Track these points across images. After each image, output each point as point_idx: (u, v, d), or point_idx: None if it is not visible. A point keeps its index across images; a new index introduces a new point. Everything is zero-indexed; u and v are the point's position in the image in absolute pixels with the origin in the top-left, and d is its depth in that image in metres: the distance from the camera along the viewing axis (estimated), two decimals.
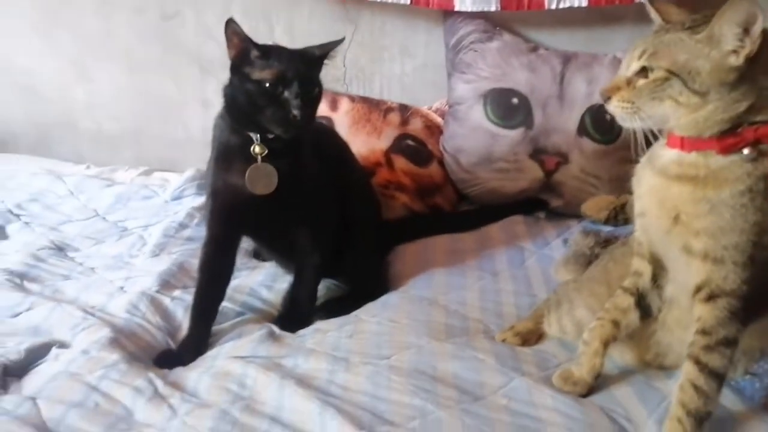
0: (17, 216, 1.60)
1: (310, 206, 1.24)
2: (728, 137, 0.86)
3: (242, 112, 1.15)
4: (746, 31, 0.81)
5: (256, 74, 1.12)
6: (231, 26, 1.12)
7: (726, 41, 0.83)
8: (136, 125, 2.11)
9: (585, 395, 1.01)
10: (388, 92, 1.99)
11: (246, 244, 1.44)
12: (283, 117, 1.12)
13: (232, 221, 1.22)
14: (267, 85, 1.11)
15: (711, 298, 0.90)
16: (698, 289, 0.91)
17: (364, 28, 1.96)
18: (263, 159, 1.15)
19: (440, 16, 1.90)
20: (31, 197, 1.69)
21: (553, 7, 1.78)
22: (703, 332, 0.90)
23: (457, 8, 1.80)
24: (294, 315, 1.24)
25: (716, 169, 0.87)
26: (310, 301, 1.28)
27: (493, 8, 1.78)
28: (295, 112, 1.10)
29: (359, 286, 1.35)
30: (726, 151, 0.86)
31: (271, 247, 1.39)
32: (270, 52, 1.15)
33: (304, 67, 1.15)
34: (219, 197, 1.21)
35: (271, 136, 1.15)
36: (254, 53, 1.13)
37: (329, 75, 1.98)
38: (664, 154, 0.92)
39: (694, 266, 0.90)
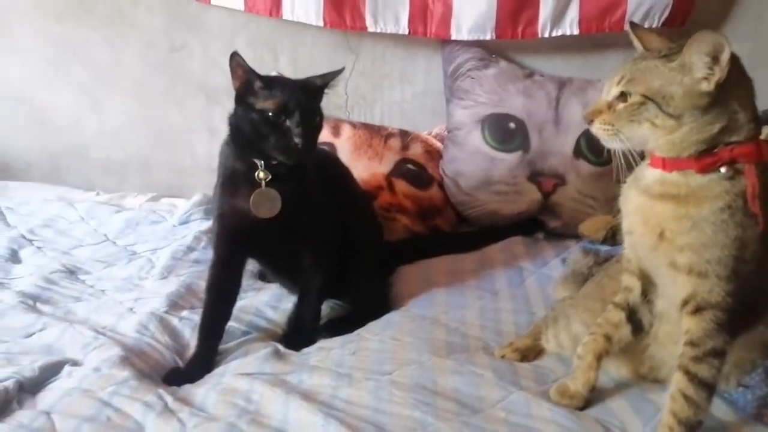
0: (30, 241, 1.65)
1: (313, 229, 1.28)
2: (706, 157, 0.91)
3: (246, 140, 1.20)
4: (715, 59, 0.87)
5: (260, 104, 1.17)
6: (235, 59, 1.18)
7: (697, 69, 0.88)
8: (145, 153, 2.17)
9: (581, 408, 1.04)
10: (388, 119, 2.05)
11: (252, 266, 1.48)
12: (285, 145, 1.17)
13: (238, 244, 1.27)
14: (270, 114, 1.17)
15: (697, 310, 0.93)
16: (685, 303, 0.94)
17: (365, 57, 2.02)
18: (267, 184, 1.20)
19: (438, 45, 1.96)
20: (44, 223, 1.74)
21: (546, 35, 1.84)
22: (692, 344, 0.93)
23: (453, 37, 1.87)
24: (298, 334, 1.27)
25: (696, 187, 0.91)
26: (314, 320, 1.32)
27: (488, 37, 1.85)
28: (297, 140, 1.16)
29: (362, 306, 1.39)
30: (704, 170, 0.91)
31: (275, 269, 1.43)
32: (273, 82, 1.21)
33: (306, 96, 1.21)
34: (225, 221, 1.25)
35: (274, 162, 1.20)
36: (257, 84, 1.19)
37: (331, 103, 2.05)
38: (648, 174, 0.97)
39: (680, 281, 0.94)
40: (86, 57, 2.09)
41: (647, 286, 1.03)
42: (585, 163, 1.77)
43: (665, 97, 0.89)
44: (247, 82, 1.19)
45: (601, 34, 1.85)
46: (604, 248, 1.66)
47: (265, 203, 1.20)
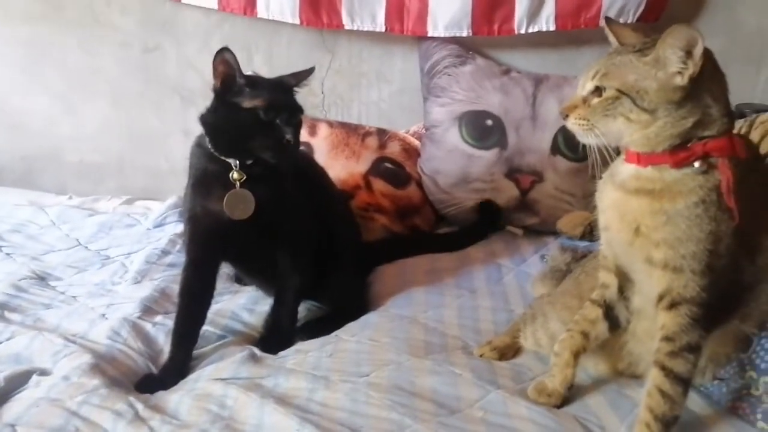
0: None
1: (290, 230, 1.26)
2: (680, 152, 0.91)
3: (227, 139, 1.19)
4: (689, 53, 0.87)
5: (248, 103, 1.16)
6: (225, 54, 1.16)
7: (670, 63, 0.88)
8: (120, 156, 2.13)
9: (559, 406, 1.03)
10: (366, 118, 2.03)
11: (228, 268, 1.46)
12: (276, 143, 1.16)
13: (211, 246, 1.25)
14: (261, 113, 1.15)
15: (673, 305, 0.93)
16: (660, 298, 0.94)
17: (341, 55, 2.01)
18: (242, 185, 1.18)
19: (415, 43, 1.95)
20: (13, 228, 1.70)
21: (522, 31, 1.84)
22: (667, 339, 0.93)
23: (430, 34, 1.86)
24: (275, 337, 1.26)
25: (670, 182, 0.91)
26: (291, 322, 1.30)
27: (464, 33, 1.85)
28: (289, 137, 1.16)
29: (340, 307, 1.37)
30: (678, 164, 0.91)
31: (250, 271, 1.41)
32: (255, 81, 1.19)
33: (288, 95, 1.21)
34: (197, 223, 1.23)
35: (249, 162, 1.19)
36: (240, 82, 1.17)
37: (308, 102, 2.04)
38: (623, 169, 0.96)
39: (656, 276, 0.93)
40: (58, 59, 2.06)
41: (624, 282, 1.03)
42: (562, 160, 1.77)
43: (639, 92, 0.89)
44: (229, 80, 1.17)
45: (577, 31, 1.86)
46: (582, 244, 1.66)
47: (239, 204, 1.19)
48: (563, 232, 1.73)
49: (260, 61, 2.00)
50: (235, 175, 1.18)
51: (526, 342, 1.20)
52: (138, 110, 2.10)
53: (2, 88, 2.09)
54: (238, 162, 1.19)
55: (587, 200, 1.74)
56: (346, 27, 1.88)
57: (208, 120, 1.21)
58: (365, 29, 1.89)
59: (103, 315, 1.31)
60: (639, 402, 1.01)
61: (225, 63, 1.16)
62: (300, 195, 1.30)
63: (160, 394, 1.07)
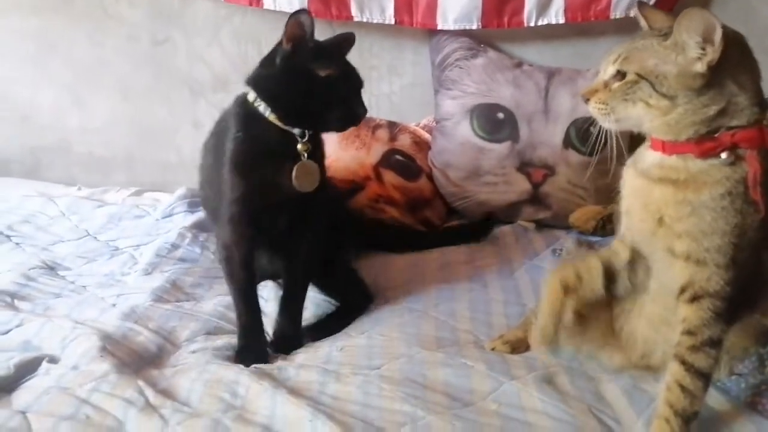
0: (8, 237, 1.61)
1: (323, 203, 1.24)
2: (706, 141, 0.88)
3: (298, 108, 1.14)
4: (707, 39, 0.84)
5: (323, 71, 1.12)
6: (299, 16, 1.10)
7: (689, 48, 0.85)
8: (128, 149, 2.13)
9: (549, 345, 1.03)
10: (377, 110, 2.01)
11: None
12: (349, 114, 1.16)
13: (265, 221, 1.20)
14: (338, 83, 1.13)
15: (695, 299, 0.91)
16: (682, 290, 0.92)
17: (352, 49, 1.98)
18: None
19: (426, 36, 1.94)
20: (23, 219, 1.70)
21: (532, 24, 1.83)
22: (689, 333, 0.91)
23: (439, 27, 1.85)
24: (287, 337, 1.23)
25: (696, 172, 0.89)
26: (300, 317, 1.27)
27: (474, 26, 1.84)
28: (362, 109, 1.16)
29: (345, 297, 1.35)
30: (704, 154, 0.88)
31: (278, 253, 1.34)
32: (323, 47, 1.16)
33: (349, 63, 1.20)
34: (252, 199, 1.17)
35: (310, 132, 1.16)
36: (310, 46, 1.12)
37: None
38: (648, 156, 0.94)
39: (678, 267, 0.92)
40: (67, 52, 2.06)
41: (636, 258, 1.01)
42: (575, 154, 1.75)
43: (659, 77, 0.87)
44: (301, 44, 1.12)
45: (589, 23, 1.84)
46: (595, 239, 1.65)
47: (308, 176, 1.16)
48: (575, 226, 1.72)
49: None
50: (301, 146, 1.15)
51: None
52: (147, 103, 2.09)
53: (11, 80, 2.10)
54: (306, 132, 1.15)
55: (599, 194, 1.74)
56: (356, 19, 1.87)
57: (269, 86, 1.14)
58: (374, 21, 1.87)
59: (113, 305, 1.30)
60: (656, 396, 0.99)
61: (299, 25, 1.10)
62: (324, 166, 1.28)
63: (170, 379, 1.05)
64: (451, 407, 0.98)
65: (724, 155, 0.88)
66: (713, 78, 0.86)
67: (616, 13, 1.80)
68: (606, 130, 0.94)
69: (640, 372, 1.07)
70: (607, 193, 1.74)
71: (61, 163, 2.14)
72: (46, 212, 1.75)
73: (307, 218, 1.23)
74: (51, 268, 1.46)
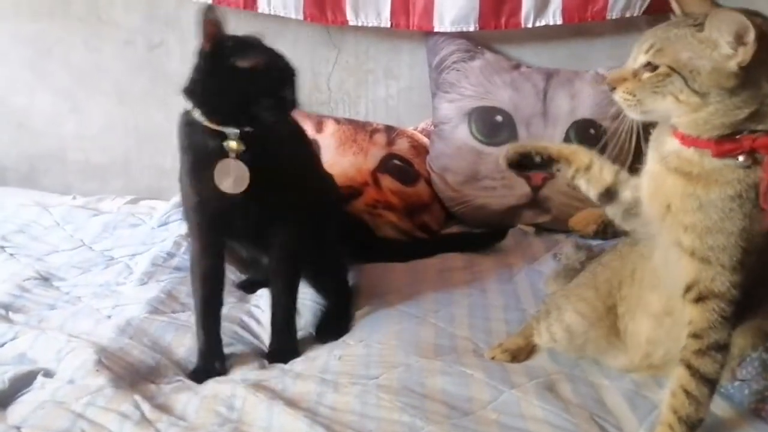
0: (2, 248, 1.59)
1: (290, 203, 1.21)
2: (726, 143, 0.86)
3: (224, 105, 1.11)
4: (739, 40, 0.81)
5: (244, 63, 1.10)
6: (211, 14, 1.08)
7: (721, 46, 0.82)
8: (125, 155, 2.11)
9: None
10: (373, 115, 2.01)
11: (234, 275, 1.44)
12: (277, 102, 1.12)
13: (218, 226, 1.20)
14: (262, 72, 1.10)
15: (700, 299, 0.90)
16: (688, 289, 0.91)
17: (348, 52, 1.98)
18: (241, 157, 1.12)
19: (423, 39, 1.93)
20: (18, 229, 1.68)
21: (530, 25, 1.82)
22: (695, 336, 0.90)
23: (436, 29, 1.84)
24: (284, 347, 1.22)
25: (709, 169, 0.87)
26: (292, 324, 1.25)
27: (471, 28, 1.82)
28: (289, 95, 1.13)
29: (332, 295, 1.35)
30: (721, 154, 0.86)
31: (258, 251, 1.34)
32: (243, 41, 1.14)
33: (277, 54, 1.16)
34: (204, 205, 1.17)
35: (246, 130, 1.12)
36: (231, 43, 1.11)
37: (314, 99, 2.02)
38: (668, 142, 0.92)
39: (684, 262, 0.90)
40: (63, 57, 2.04)
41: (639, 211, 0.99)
42: None
43: (692, 71, 0.83)
44: (220, 41, 1.10)
45: (587, 24, 1.83)
46: (595, 243, 1.64)
47: (229, 175, 1.11)
48: (576, 230, 1.70)
49: None
50: (232, 144, 1.11)
51: (540, 339, 1.16)
52: (143, 108, 2.07)
53: (6, 87, 2.07)
54: (237, 131, 1.11)
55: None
56: (351, 23, 1.85)
57: (197, 89, 1.12)
58: (370, 25, 1.86)
59: (109, 317, 1.28)
60: (659, 403, 0.99)
61: (214, 23, 1.09)
62: (297, 167, 1.26)
63: (167, 393, 1.04)
64: (450, 417, 0.97)
65: (741, 158, 0.86)
66: (747, 78, 0.82)
67: (613, 14, 1.79)
68: (629, 125, 0.91)
69: (642, 374, 1.06)
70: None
71: (57, 170, 2.12)
72: (41, 222, 1.73)
73: (272, 223, 1.22)
74: (45, 279, 1.44)
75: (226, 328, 1.25)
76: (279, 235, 1.23)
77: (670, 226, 0.91)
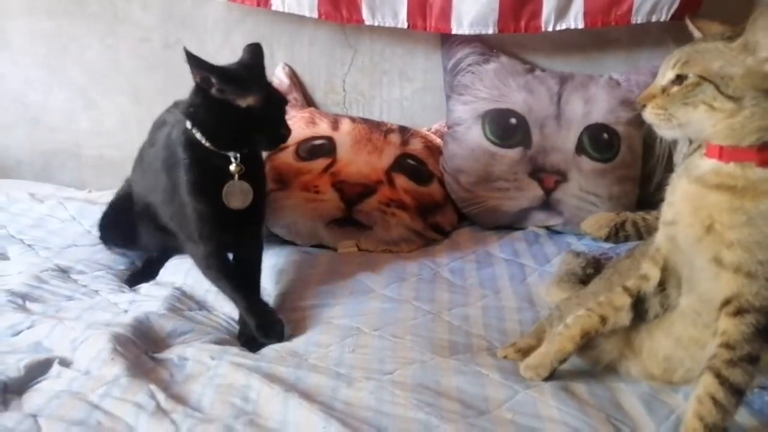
0: (20, 240, 1.59)
1: (263, 212, 1.38)
2: None
3: (227, 136, 1.22)
4: None
5: (241, 101, 1.19)
6: (191, 60, 1.18)
7: (762, 48, 0.82)
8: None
9: (546, 379, 1.03)
10: (387, 116, 2.01)
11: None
12: (274, 136, 1.25)
13: (221, 235, 1.31)
14: (257, 110, 1.19)
15: (739, 312, 0.88)
16: (726, 302, 0.89)
17: (363, 53, 1.99)
18: (240, 177, 1.25)
19: (438, 41, 1.93)
20: (34, 222, 1.69)
21: (550, 29, 1.77)
22: (727, 346, 0.89)
23: (454, 31, 1.81)
24: (271, 319, 1.23)
25: (756, 180, 0.86)
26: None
27: (490, 31, 1.79)
28: (285, 130, 1.25)
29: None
30: (766, 163, 0.85)
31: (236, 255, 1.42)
32: (231, 75, 1.20)
33: (269, 85, 1.27)
34: (208, 217, 1.27)
35: (244, 152, 1.25)
36: (221, 81, 1.18)
37: (329, 99, 2.03)
38: (702, 164, 0.91)
39: (724, 278, 0.89)
40: (79, 54, 2.06)
41: (667, 278, 0.99)
42: (587, 160, 1.74)
43: (724, 78, 0.84)
44: (210, 79, 1.18)
45: (603, 30, 1.81)
46: (607, 246, 1.63)
47: (239, 195, 1.26)
48: (588, 233, 1.70)
49: (282, 57, 1.99)
50: (233, 167, 1.24)
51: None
52: (158, 106, 2.05)
53: (22, 83, 2.10)
54: (238, 155, 1.23)
55: (612, 201, 1.73)
56: (367, 22, 1.83)
57: (201, 117, 1.21)
58: (387, 25, 1.84)
59: (125, 311, 1.28)
60: (675, 408, 0.98)
61: (198, 62, 1.17)
62: (264, 174, 1.41)
63: (182, 383, 1.04)
64: (466, 416, 0.97)
65: None
66: None
67: (638, 18, 1.72)
68: (663, 142, 0.91)
69: (659, 384, 1.05)
70: (620, 200, 1.74)
71: (72, 165, 2.14)
72: (57, 216, 1.74)
73: (249, 229, 1.34)
74: (63, 271, 1.44)
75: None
76: (255, 229, 1.37)
77: (708, 246, 0.89)
